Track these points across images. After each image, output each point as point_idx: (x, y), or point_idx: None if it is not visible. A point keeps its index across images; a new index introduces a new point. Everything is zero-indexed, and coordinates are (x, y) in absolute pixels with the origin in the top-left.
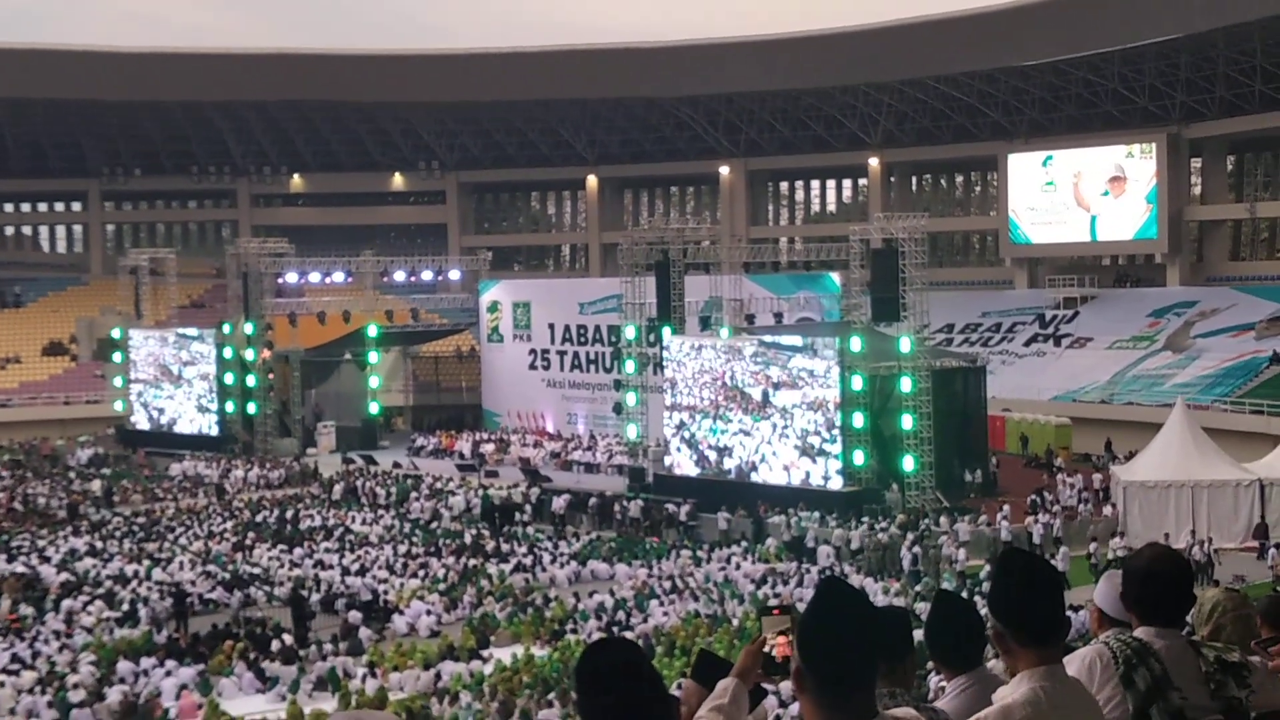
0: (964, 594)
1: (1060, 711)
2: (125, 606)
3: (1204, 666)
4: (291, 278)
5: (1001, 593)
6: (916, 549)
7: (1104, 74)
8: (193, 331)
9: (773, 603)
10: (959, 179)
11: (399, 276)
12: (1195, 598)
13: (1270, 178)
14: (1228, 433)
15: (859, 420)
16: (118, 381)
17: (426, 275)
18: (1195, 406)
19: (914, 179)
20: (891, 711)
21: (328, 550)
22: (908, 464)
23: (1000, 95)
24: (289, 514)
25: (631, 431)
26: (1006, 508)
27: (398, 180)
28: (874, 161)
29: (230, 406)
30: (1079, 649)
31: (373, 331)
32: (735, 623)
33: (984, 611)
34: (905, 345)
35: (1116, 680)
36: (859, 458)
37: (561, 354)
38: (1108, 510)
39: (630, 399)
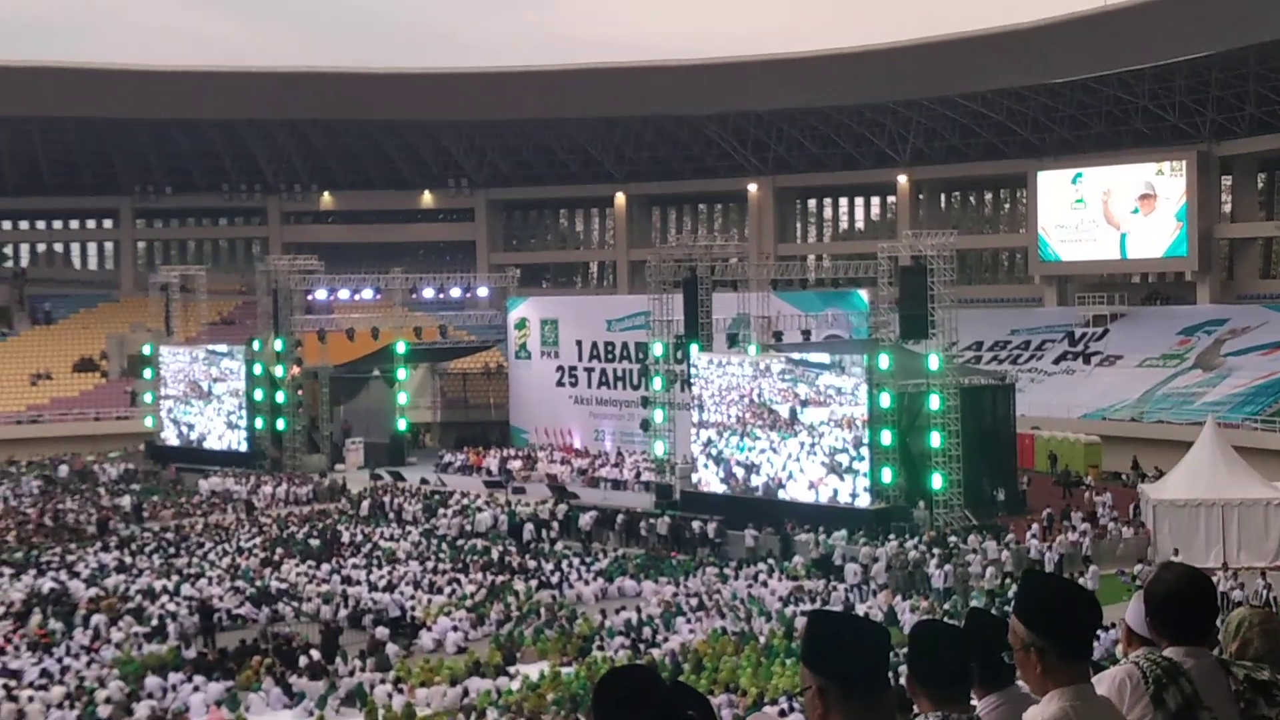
0: (993, 612)
1: None
2: (154, 622)
3: (1234, 685)
4: (321, 294)
5: (1037, 604)
6: (945, 567)
7: (1134, 91)
8: (222, 348)
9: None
10: (988, 196)
11: (428, 293)
12: (1218, 615)
13: None
14: (1258, 451)
15: (887, 438)
16: (148, 398)
17: (455, 292)
18: (1225, 425)
19: (943, 196)
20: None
21: (355, 566)
22: (936, 482)
23: (1030, 113)
24: (318, 529)
25: (659, 448)
26: (1035, 526)
27: (427, 198)
28: (903, 179)
29: (259, 423)
30: (1108, 668)
31: (401, 348)
32: (762, 640)
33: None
34: (934, 363)
35: (1147, 700)
36: (887, 475)
37: (589, 371)
38: (1132, 530)
39: (658, 416)
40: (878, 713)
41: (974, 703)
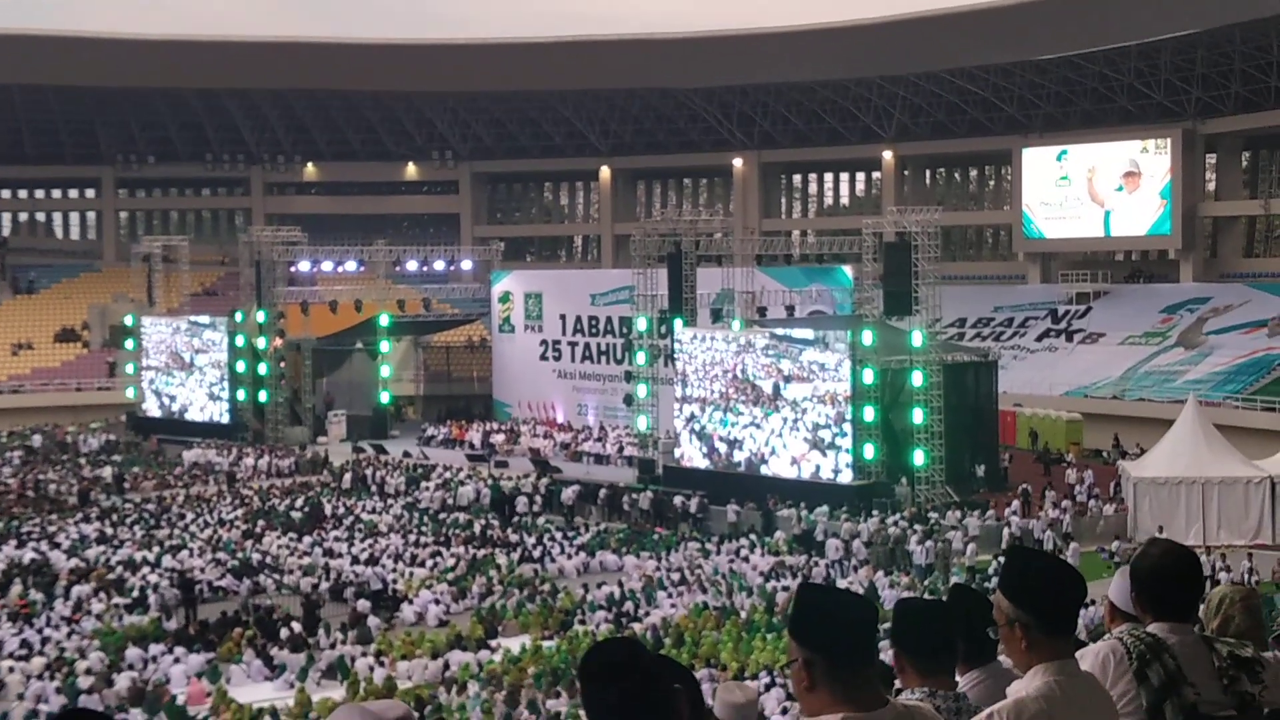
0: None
1: (1074, 705)
2: (135, 593)
3: (1217, 662)
4: (304, 266)
5: (1021, 580)
6: (926, 543)
7: (1119, 69)
8: (205, 319)
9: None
10: (973, 173)
11: (411, 266)
12: (1203, 592)
13: None
14: (1239, 430)
15: (870, 414)
16: (129, 368)
17: (439, 265)
18: (1207, 403)
19: (928, 173)
20: (902, 698)
21: (337, 539)
22: (918, 458)
23: (1015, 89)
24: (299, 502)
25: (642, 423)
26: (1016, 503)
27: (411, 170)
28: (888, 155)
29: (241, 394)
30: (1092, 644)
31: (384, 321)
32: (743, 615)
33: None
34: (917, 339)
35: (1130, 675)
36: (869, 451)
37: (573, 345)
38: (1113, 508)
39: (641, 391)
40: (864, 686)
41: (958, 679)
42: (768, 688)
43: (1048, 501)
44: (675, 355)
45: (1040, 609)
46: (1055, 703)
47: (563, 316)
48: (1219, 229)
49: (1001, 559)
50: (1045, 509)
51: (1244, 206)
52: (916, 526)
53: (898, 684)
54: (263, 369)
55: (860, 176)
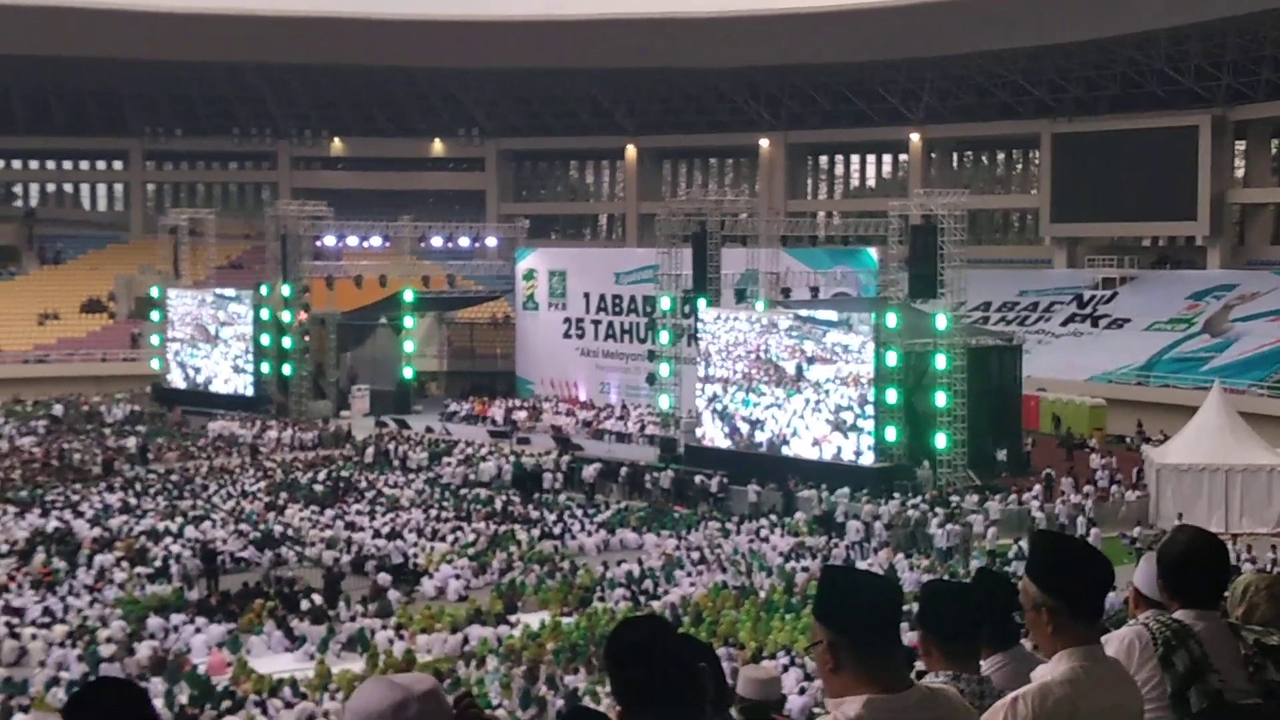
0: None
1: (1099, 691)
2: (158, 563)
3: (1243, 650)
4: (329, 241)
5: (1049, 564)
6: (947, 526)
7: (1149, 53)
8: (230, 292)
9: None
10: (1000, 156)
11: (436, 242)
12: (1229, 579)
13: None
14: (1264, 417)
15: (892, 396)
16: (155, 340)
17: (464, 242)
18: (1231, 390)
19: (955, 155)
20: (926, 681)
21: (359, 512)
22: (940, 441)
23: (1044, 73)
24: (321, 475)
25: (664, 402)
26: (1037, 487)
27: (437, 146)
28: (915, 137)
29: (266, 368)
30: (1117, 630)
31: (409, 296)
32: (762, 595)
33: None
34: (941, 322)
35: (1155, 662)
36: (891, 434)
37: (596, 323)
38: (1135, 494)
39: (664, 370)
40: (889, 668)
41: (981, 662)
42: (786, 668)
43: (1068, 486)
44: (698, 335)
45: (1067, 594)
46: (1080, 688)
47: (586, 295)
48: (1247, 215)
49: (1024, 543)
50: (1067, 494)
51: (1273, 194)
52: (937, 509)
53: (919, 666)
54: (287, 343)
55: (887, 159)
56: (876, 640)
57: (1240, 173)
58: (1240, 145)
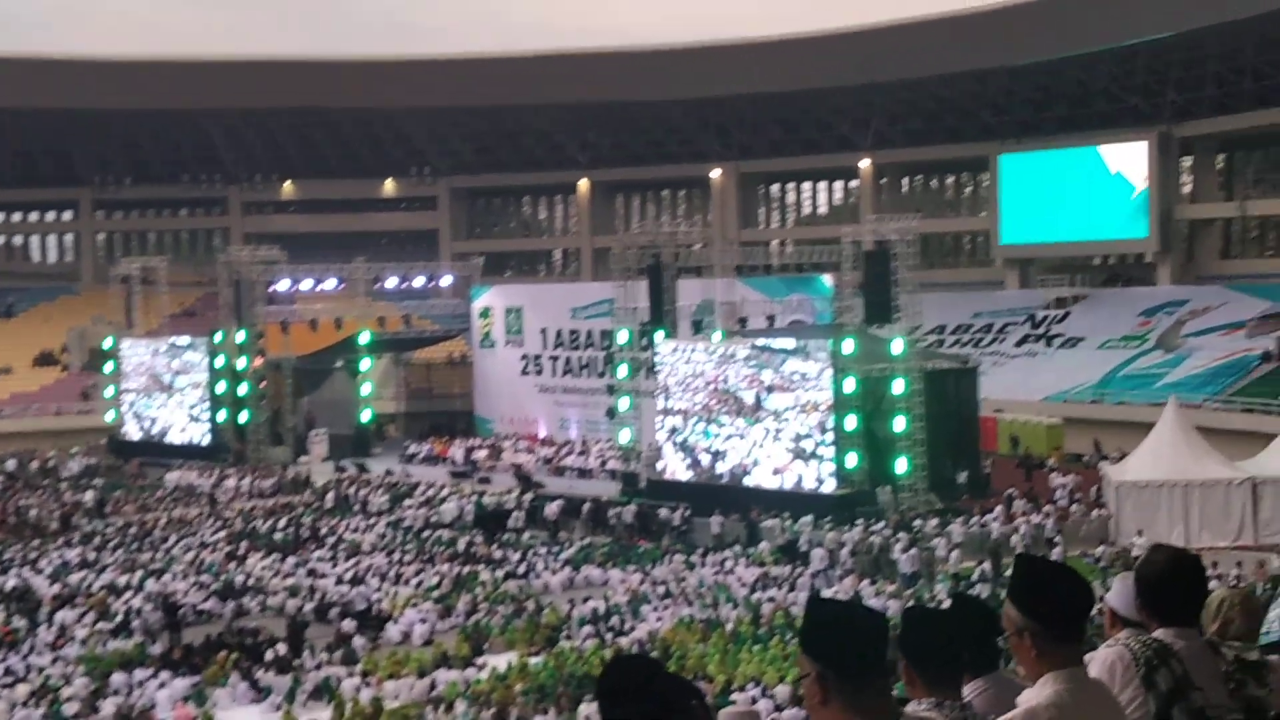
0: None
1: (1084, 713)
2: (119, 618)
3: (1223, 666)
4: (283, 285)
5: (1030, 588)
6: (911, 551)
7: (1094, 73)
8: (184, 340)
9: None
10: (950, 180)
11: (391, 283)
12: (1206, 596)
13: (1261, 176)
14: (1219, 431)
15: (852, 423)
16: (109, 392)
17: (418, 281)
18: (1187, 405)
19: (905, 180)
20: (910, 708)
21: (321, 559)
22: (900, 466)
23: (990, 95)
24: (281, 522)
25: (624, 436)
26: (998, 509)
27: (389, 186)
28: (865, 163)
29: (222, 415)
30: (1098, 651)
31: (365, 338)
32: (729, 627)
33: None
34: (897, 347)
35: (1138, 682)
36: (852, 460)
37: (554, 359)
38: (1096, 512)
39: (623, 403)
40: (876, 699)
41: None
42: (754, 700)
43: (1028, 506)
44: (657, 368)
45: (1049, 617)
46: (1066, 710)
47: (543, 331)
48: (1196, 231)
49: (986, 565)
50: (1028, 514)
51: (1220, 209)
52: (900, 534)
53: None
54: (243, 389)
55: (838, 185)
56: (864, 672)
57: (1188, 189)
58: (1186, 161)
